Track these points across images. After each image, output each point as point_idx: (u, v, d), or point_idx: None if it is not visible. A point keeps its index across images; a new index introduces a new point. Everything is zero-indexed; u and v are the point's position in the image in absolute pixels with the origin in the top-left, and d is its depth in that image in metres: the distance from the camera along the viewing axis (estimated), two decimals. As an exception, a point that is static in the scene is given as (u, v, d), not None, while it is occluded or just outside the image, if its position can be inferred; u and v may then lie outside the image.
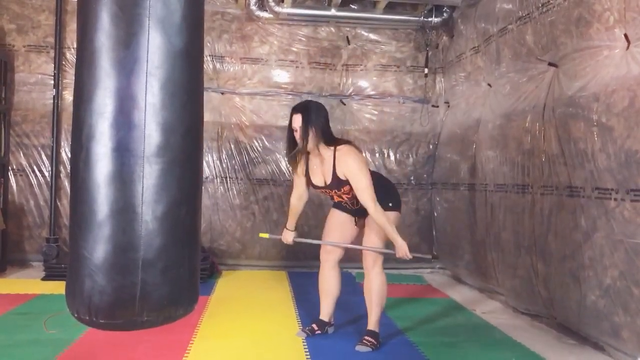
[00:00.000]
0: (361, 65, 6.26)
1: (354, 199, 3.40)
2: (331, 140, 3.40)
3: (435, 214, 6.21)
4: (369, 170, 3.38)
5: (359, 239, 3.56)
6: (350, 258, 5.46)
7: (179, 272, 1.87)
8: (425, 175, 6.31)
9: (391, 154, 6.23)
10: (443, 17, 5.99)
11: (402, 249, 3.31)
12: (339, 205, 3.60)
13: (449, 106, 6.04)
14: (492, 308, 4.51)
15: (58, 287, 4.59)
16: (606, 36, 3.32)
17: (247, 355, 3.26)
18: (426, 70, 6.23)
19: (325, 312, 3.65)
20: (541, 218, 3.89)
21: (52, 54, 5.83)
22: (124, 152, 1.78)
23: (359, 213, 3.49)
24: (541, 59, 4.03)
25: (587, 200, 3.37)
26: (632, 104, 3.01)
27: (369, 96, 6.26)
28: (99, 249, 1.78)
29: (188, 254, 1.91)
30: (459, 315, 4.30)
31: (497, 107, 4.68)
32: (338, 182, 3.37)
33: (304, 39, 6.18)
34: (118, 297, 1.79)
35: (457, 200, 5.55)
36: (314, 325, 3.62)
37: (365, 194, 3.26)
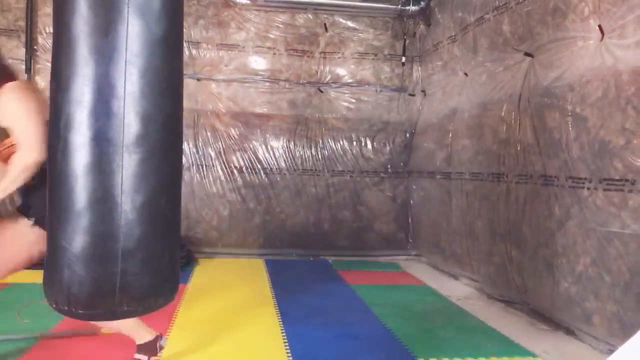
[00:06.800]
0: (339, 53, 6.25)
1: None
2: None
3: (412, 202, 6.26)
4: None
5: None
6: (328, 245, 5.53)
7: (159, 261, 1.85)
8: (401, 164, 6.35)
9: (368, 142, 6.25)
10: (420, 6, 6.01)
11: None
12: None
13: (425, 95, 6.07)
14: (467, 294, 4.58)
15: (32, 276, 4.50)
16: (581, 27, 3.36)
17: (225, 343, 3.26)
18: (403, 59, 6.26)
19: (144, 332, 2.81)
20: (516, 206, 3.95)
21: (23, 38, 5.70)
22: (102, 141, 1.74)
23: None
24: (517, 48, 4.07)
25: (561, 189, 3.43)
26: (606, 94, 3.07)
27: (347, 84, 6.26)
28: (78, 239, 1.75)
29: (168, 243, 1.90)
30: (434, 302, 4.35)
31: (474, 96, 4.72)
32: None
33: (281, 26, 6.14)
34: (98, 287, 1.77)
35: (433, 188, 5.61)
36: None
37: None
